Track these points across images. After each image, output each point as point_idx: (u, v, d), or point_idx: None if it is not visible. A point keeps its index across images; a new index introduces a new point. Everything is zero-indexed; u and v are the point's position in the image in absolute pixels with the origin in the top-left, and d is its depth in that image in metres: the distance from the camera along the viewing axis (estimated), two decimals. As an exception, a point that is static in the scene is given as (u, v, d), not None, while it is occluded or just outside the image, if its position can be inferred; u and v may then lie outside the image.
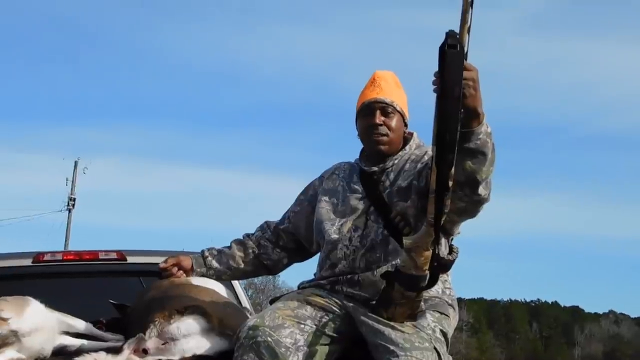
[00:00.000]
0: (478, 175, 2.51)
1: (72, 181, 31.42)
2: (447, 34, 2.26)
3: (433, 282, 2.58)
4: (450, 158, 2.36)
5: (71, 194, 31.15)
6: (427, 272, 2.56)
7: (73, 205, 30.97)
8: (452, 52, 2.26)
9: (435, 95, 2.36)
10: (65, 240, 28.86)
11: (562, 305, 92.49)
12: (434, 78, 2.36)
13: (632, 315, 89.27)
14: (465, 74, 2.32)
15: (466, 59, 2.31)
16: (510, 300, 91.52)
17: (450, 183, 2.41)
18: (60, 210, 31.09)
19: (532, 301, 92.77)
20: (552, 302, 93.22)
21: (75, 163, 31.70)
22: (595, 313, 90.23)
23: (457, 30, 2.27)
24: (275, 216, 3.28)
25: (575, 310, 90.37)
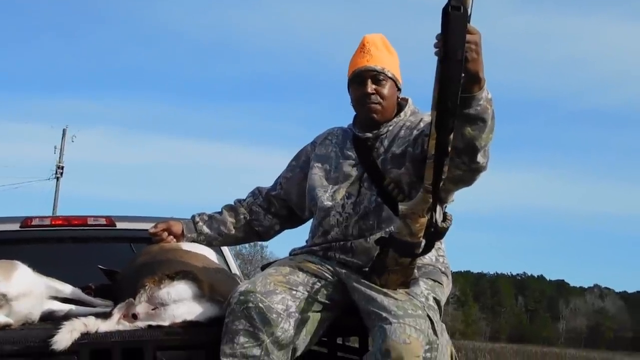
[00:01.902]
0: (477, 142, 2.47)
1: (61, 149, 31.29)
2: None
3: (428, 249, 2.55)
4: (450, 123, 2.32)
5: (59, 162, 31.01)
6: (422, 239, 2.54)
7: (61, 173, 30.86)
8: (455, 13, 2.21)
9: (436, 59, 2.31)
10: (53, 209, 28.75)
11: (548, 279, 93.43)
12: (435, 41, 2.32)
13: (617, 290, 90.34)
14: (468, 37, 2.27)
15: (469, 22, 2.26)
16: (497, 273, 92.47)
17: (449, 149, 2.37)
18: (48, 179, 31.03)
19: (518, 275, 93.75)
20: (537, 276, 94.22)
21: (64, 131, 31.57)
22: (581, 287, 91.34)
23: None
24: (264, 185, 3.24)
25: (561, 284, 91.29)
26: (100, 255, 4.16)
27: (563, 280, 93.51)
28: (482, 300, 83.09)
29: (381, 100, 2.86)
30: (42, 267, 2.98)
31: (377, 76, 2.86)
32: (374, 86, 2.85)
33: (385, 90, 2.86)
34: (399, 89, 2.93)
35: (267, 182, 3.23)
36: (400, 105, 2.96)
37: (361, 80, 2.86)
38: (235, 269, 4.14)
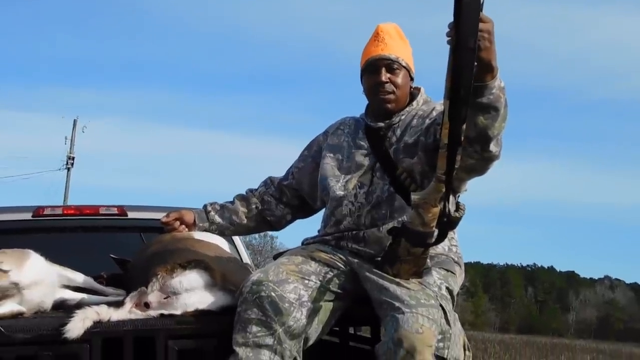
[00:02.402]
0: (490, 131, 2.46)
1: (71, 140, 31.37)
2: None
3: (441, 238, 2.54)
4: (463, 112, 2.31)
5: (70, 153, 31.09)
6: (435, 228, 2.53)
7: (72, 164, 30.94)
8: (468, 1, 2.20)
9: (448, 48, 2.30)
10: (64, 199, 28.84)
11: (558, 270, 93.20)
12: (447, 29, 2.30)
13: (627, 281, 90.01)
14: (481, 25, 2.25)
15: (482, 10, 2.24)
16: (507, 264, 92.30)
17: (462, 138, 2.36)
18: (59, 169, 31.11)
19: (528, 266, 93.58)
20: (547, 267, 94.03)
21: (75, 122, 31.63)
22: (591, 278, 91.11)
23: None
24: (276, 175, 3.24)
25: (571, 276, 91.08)
26: (112, 245, 4.17)
27: (573, 272, 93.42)
28: (492, 291, 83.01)
29: (395, 89, 2.84)
30: (54, 256, 2.98)
31: (391, 65, 2.84)
32: (388, 75, 2.84)
33: (399, 79, 2.85)
34: (411, 79, 2.92)
35: (276, 171, 3.23)
36: (413, 94, 2.94)
37: (375, 69, 2.85)
38: (246, 258, 4.14)
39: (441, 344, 2.45)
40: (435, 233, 2.53)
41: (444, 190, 2.46)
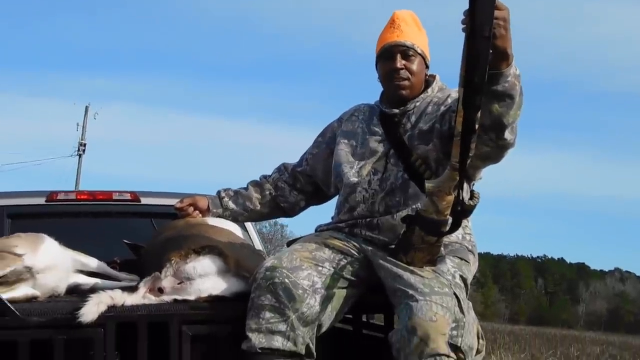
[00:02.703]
0: (505, 119, 2.44)
1: (83, 127, 31.43)
2: None
3: (455, 227, 2.53)
4: (477, 100, 2.29)
5: (81, 140, 31.17)
6: (449, 216, 2.52)
7: (83, 150, 31.02)
8: None
9: (463, 35, 2.28)
10: (75, 186, 28.91)
11: (568, 262, 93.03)
12: (462, 17, 2.28)
13: (638, 274, 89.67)
14: (496, 13, 2.24)
15: None
16: (517, 255, 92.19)
17: (477, 126, 2.35)
18: (71, 155, 31.18)
19: (538, 257, 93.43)
20: (558, 259, 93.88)
21: (86, 108, 31.67)
22: (601, 270, 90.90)
23: None
24: (290, 162, 3.23)
25: (581, 267, 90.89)
26: (125, 230, 4.18)
27: (584, 264, 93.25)
28: (502, 282, 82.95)
29: (410, 76, 2.83)
30: (67, 241, 2.99)
31: (406, 52, 2.83)
32: (403, 61, 2.82)
33: (414, 66, 2.83)
34: (427, 66, 2.90)
35: (288, 158, 3.23)
36: (428, 81, 2.93)
37: (390, 55, 2.83)
38: (259, 245, 4.14)
39: (455, 332, 2.45)
40: (450, 221, 2.52)
41: (458, 178, 2.45)
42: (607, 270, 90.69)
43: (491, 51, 2.27)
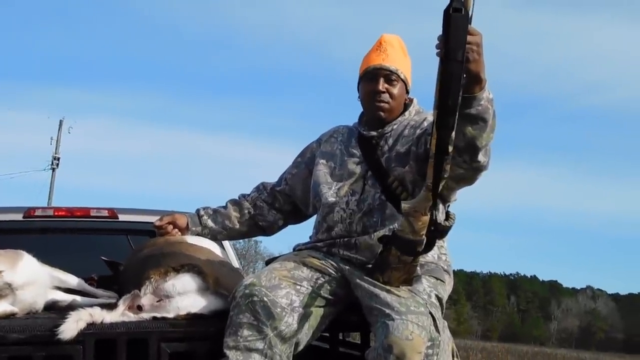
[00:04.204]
0: (478, 141, 2.50)
1: (57, 140, 31.18)
2: None
3: (429, 247, 2.58)
4: (451, 122, 2.36)
5: (55, 154, 30.92)
6: (424, 237, 2.57)
7: (57, 164, 30.76)
8: (456, 15, 2.26)
9: (438, 59, 2.34)
10: (48, 200, 28.66)
11: (541, 280, 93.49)
12: (437, 42, 2.35)
13: (609, 292, 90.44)
14: (470, 38, 2.31)
15: (470, 23, 2.30)
16: (490, 273, 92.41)
17: (451, 148, 2.41)
18: (44, 169, 30.91)
19: (511, 274, 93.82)
20: (530, 276, 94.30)
21: (60, 122, 31.43)
22: (573, 288, 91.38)
23: None
24: (267, 180, 3.28)
25: (553, 285, 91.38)
26: (103, 247, 4.19)
27: (556, 281, 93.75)
28: (475, 299, 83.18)
29: (390, 100, 2.89)
30: (44, 257, 2.99)
31: (389, 76, 2.89)
32: (385, 85, 2.88)
33: (396, 90, 2.89)
34: (407, 92, 2.97)
35: (268, 174, 3.27)
36: (406, 105, 2.98)
37: (373, 77, 2.89)
38: (236, 263, 4.16)
39: (430, 351, 2.49)
40: (425, 241, 2.58)
41: (432, 199, 2.50)
42: (579, 288, 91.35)
43: (465, 75, 2.35)
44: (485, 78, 2.43)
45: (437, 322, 2.56)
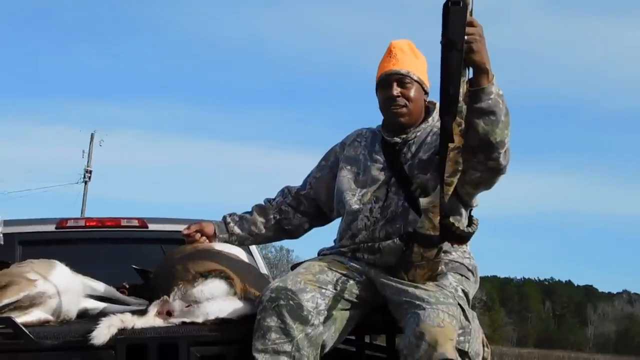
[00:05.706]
0: (492, 137, 2.53)
1: (89, 154, 31.57)
2: None
3: (444, 235, 2.56)
4: (453, 110, 2.43)
5: (87, 167, 31.29)
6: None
7: (89, 177, 31.12)
8: (455, 8, 2.34)
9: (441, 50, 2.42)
10: (81, 213, 28.98)
11: (576, 284, 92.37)
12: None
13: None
14: (471, 29, 2.40)
15: (471, 15, 2.39)
16: (524, 278, 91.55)
17: (457, 139, 2.47)
18: (77, 183, 31.29)
19: (545, 280, 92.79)
20: (565, 281, 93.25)
21: (92, 136, 31.83)
22: (609, 293, 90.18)
23: None
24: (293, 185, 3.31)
25: (589, 290, 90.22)
26: (133, 256, 4.26)
27: (591, 286, 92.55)
28: (509, 305, 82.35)
29: (407, 103, 2.91)
30: (76, 266, 3.07)
31: (402, 79, 2.92)
32: (399, 89, 2.91)
33: (411, 93, 2.92)
34: (426, 93, 2.99)
35: (293, 183, 3.30)
36: (428, 108, 3.01)
37: (387, 84, 2.92)
38: (264, 268, 4.21)
39: (462, 338, 2.53)
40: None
41: (450, 192, 2.53)
42: (615, 292, 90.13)
43: (471, 67, 2.44)
44: (492, 71, 2.49)
45: (467, 312, 2.60)
